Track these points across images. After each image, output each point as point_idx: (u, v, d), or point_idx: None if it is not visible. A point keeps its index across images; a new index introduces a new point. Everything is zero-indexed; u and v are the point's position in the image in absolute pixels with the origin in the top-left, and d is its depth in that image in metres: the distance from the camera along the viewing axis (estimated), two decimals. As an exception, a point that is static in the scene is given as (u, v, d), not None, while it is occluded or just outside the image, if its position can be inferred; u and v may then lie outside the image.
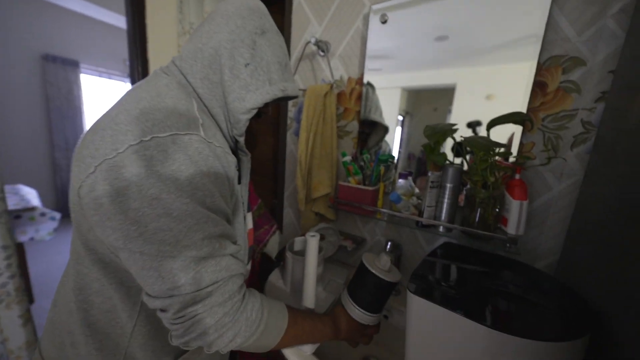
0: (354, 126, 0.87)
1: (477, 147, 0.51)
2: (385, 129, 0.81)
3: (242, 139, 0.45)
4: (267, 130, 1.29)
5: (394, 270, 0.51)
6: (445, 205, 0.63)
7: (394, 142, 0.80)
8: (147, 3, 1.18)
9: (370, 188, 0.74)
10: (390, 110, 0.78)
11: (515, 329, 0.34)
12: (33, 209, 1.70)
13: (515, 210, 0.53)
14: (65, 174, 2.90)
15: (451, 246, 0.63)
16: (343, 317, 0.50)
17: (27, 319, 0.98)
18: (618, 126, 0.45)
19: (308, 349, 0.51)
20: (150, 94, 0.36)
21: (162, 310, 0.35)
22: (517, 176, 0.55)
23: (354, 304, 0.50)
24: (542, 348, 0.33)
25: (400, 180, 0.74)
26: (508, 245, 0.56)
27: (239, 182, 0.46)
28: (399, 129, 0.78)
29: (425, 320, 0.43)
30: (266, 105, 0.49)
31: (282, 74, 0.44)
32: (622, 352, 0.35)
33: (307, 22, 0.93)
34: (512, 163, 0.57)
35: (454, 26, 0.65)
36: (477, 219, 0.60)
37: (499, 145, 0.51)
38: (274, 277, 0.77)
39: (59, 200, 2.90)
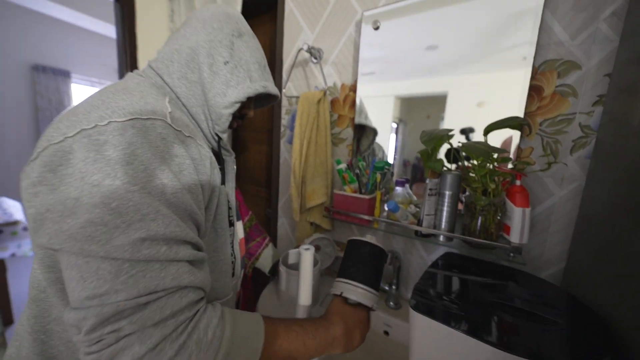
0: (348, 133, 0.85)
1: (475, 152, 0.50)
2: (374, 132, 0.79)
3: (225, 136, 0.44)
4: (261, 139, 1.27)
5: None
6: (444, 213, 0.61)
7: (389, 149, 0.78)
8: (137, 11, 1.17)
9: (366, 197, 0.71)
10: (384, 117, 0.78)
11: (524, 349, 0.32)
12: (16, 222, 1.62)
13: (517, 218, 0.51)
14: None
15: (453, 256, 0.60)
16: (343, 308, 0.40)
17: (1, 343, 0.91)
18: (617, 130, 0.44)
19: None
20: (117, 88, 0.33)
21: (75, 330, 0.26)
22: (518, 182, 0.53)
23: (355, 283, 0.41)
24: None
25: (397, 188, 0.72)
26: (511, 254, 0.53)
27: (222, 183, 0.43)
28: (393, 137, 0.77)
29: (430, 338, 0.40)
30: (249, 105, 0.50)
31: (261, 74, 0.45)
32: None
33: (299, 30, 0.92)
34: (512, 169, 0.56)
35: (444, 36, 0.66)
36: (478, 228, 0.57)
37: (499, 150, 0.49)
38: (268, 293, 0.73)
39: (45, 213, 2.80)
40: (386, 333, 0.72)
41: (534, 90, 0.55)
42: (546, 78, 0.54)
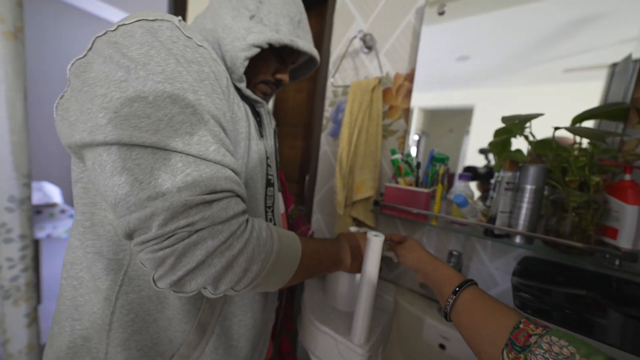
0: (399, 125, 0.80)
1: (585, 134, 0.43)
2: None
3: (242, 85, 0.39)
4: (296, 133, 1.25)
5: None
6: (523, 211, 0.53)
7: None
8: (188, 15, 1.21)
9: (425, 190, 0.65)
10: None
11: None
12: (54, 205, 1.69)
13: (631, 218, 0.43)
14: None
15: (536, 262, 0.52)
16: (348, 233, 0.51)
17: (33, 318, 0.91)
18: None
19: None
20: None
21: (141, 232, 0.25)
22: (628, 177, 0.45)
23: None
24: None
25: (459, 182, 0.65)
26: (618, 262, 0.45)
27: (261, 136, 0.43)
28: (414, 149, 0.76)
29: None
30: (282, 69, 0.45)
31: (292, 29, 0.41)
32: None
33: (351, 20, 0.90)
34: (617, 161, 0.48)
35: (478, 47, 0.65)
36: (568, 229, 0.49)
37: (614, 134, 0.42)
38: (311, 288, 0.67)
39: (78, 200, 2.93)
40: (442, 347, 0.63)
41: (645, 73, 0.48)
42: (661, 58, 0.46)
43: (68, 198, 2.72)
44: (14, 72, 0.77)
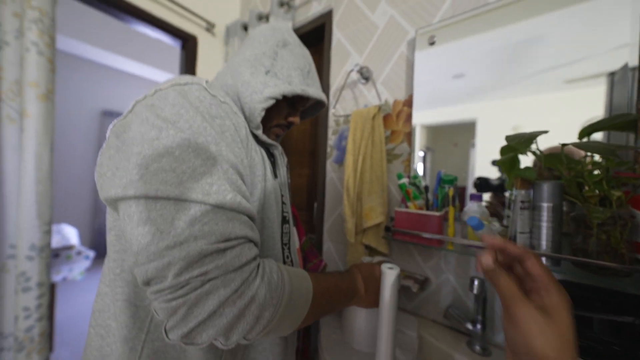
0: (403, 148, 0.81)
1: (596, 150, 0.42)
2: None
3: (259, 132, 0.43)
4: (302, 162, 1.28)
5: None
6: (544, 230, 0.50)
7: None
8: (198, 56, 1.33)
9: (436, 213, 0.63)
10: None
11: None
12: (71, 247, 1.73)
13: (664, 232, 0.40)
14: (105, 216, 3.06)
15: (567, 285, 0.48)
16: (360, 264, 0.51)
17: (45, 370, 0.88)
18: None
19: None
20: None
21: (157, 280, 0.26)
22: (650, 188, 0.43)
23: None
24: None
25: (471, 203, 0.64)
26: (661, 282, 0.41)
27: (275, 176, 0.45)
28: (420, 165, 0.76)
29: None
30: (294, 112, 0.50)
31: (303, 79, 0.45)
32: None
33: (347, 56, 0.96)
34: (635, 172, 0.46)
35: (471, 65, 0.67)
36: (595, 247, 0.46)
37: (627, 147, 0.41)
38: (328, 326, 0.63)
39: (95, 240, 3.00)
40: (477, 388, 0.56)
41: (645, 83, 0.48)
42: (659, 68, 0.47)
43: (84, 239, 2.79)
44: (43, 129, 0.85)
